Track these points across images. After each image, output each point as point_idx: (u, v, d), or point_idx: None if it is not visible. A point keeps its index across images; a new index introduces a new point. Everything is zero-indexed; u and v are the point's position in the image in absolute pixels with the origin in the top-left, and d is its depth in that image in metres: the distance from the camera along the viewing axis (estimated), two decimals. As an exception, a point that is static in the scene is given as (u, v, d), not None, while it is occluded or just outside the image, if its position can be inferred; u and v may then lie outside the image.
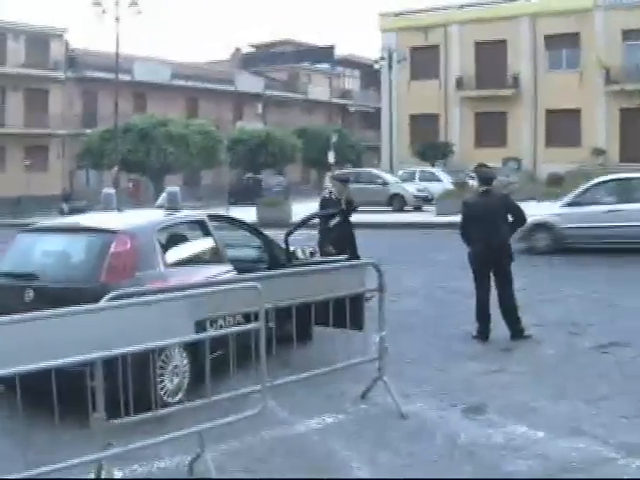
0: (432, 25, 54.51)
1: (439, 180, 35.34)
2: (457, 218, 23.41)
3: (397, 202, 32.47)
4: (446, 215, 27.24)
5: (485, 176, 10.02)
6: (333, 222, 11.82)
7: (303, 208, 35.93)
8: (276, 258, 9.47)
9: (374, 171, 35.97)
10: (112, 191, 9.29)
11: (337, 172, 13.21)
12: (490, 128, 51.35)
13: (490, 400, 7.26)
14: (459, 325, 10.39)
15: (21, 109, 52.71)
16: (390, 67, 50.09)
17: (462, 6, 54.26)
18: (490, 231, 9.57)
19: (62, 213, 42.05)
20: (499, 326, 9.72)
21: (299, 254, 9.93)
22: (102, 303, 5.27)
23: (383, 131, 56.00)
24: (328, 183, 36.13)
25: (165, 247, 8.00)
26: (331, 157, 32.40)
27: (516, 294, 9.92)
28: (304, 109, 69.86)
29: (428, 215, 29.41)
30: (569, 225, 17.63)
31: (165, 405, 6.63)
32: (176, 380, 7.31)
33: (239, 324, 6.41)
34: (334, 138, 32.95)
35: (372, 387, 7.33)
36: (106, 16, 38.46)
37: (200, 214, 8.87)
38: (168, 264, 7.78)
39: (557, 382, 7.76)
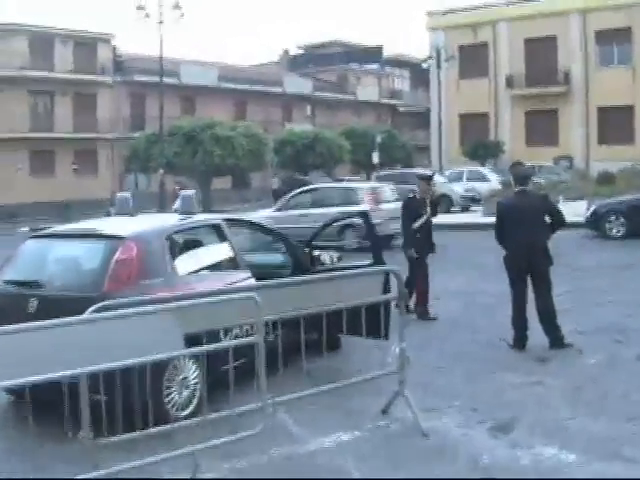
0: (480, 23, 53.59)
1: (487, 180, 34.51)
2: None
3: (444, 203, 31.70)
4: (493, 215, 26.54)
5: (521, 175, 9.46)
6: (418, 223, 11.32)
7: (348, 210, 35.89)
8: (300, 263, 9.01)
9: (419, 171, 35.22)
10: (127, 194, 8.91)
11: (421, 171, 13.07)
12: (541, 126, 50.29)
13: (521, 416, 6.72)
14: (497, 332, 9.78)
15: (70, 114, 52.98)
16: (438, 66, 49.31)
17: (510, 3, 53.23)
18: (526, 233, 9.01)
19: (109, 216, 42.16)
20: (537, 334, 9.14)
21: (325, 259, 9.47)
22: (85, 315, 4.88)
23: (432, 131, 55.24)
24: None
25: (177, 254, 7.58)
26: (375, 157, 31.87)
27: (557, 298, 9.36)
28: (353, 110, 69.27)
29: (475, 216, 28.71)
30: (277, 226, 18.01)
31: (175, 420, 6.24)
32: (186, 392, 6.91)
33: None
34: (379, 138, 32.33)
35: (393, 402, 6.83)
36: (151, 20, 38.57)
37: (216, 218, 8.43)
38: (179, 272, 7.38)
39: (596, 397, 7.19)
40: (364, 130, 54.52)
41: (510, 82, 52.16)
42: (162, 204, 38.16)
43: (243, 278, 7.79)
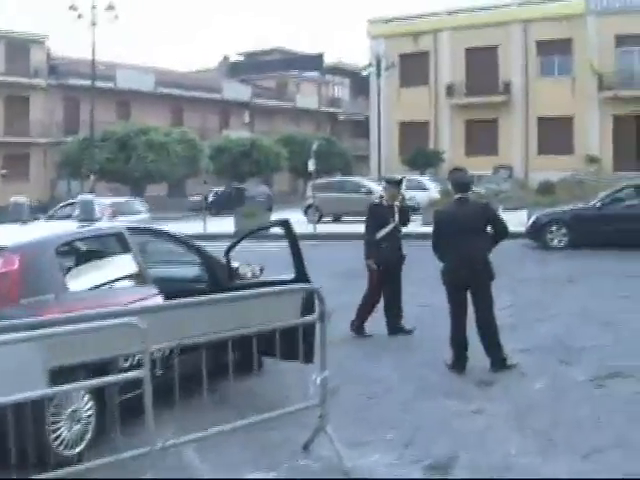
0: (422, 31, 53.27)
1: (426, 189, 34.00)
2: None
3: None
4: (431, 224, 25.91)
5: (460, 182, 8.68)
6: (383, 232, 10.32)
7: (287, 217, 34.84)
8: (216, 277, 8.10)
9: (358, 180, 34.60)
10: (23, 200, 7.91)
11: (389, 175, 11.69)
12: (481, 136, 50.11)
13: (462, 453, 5.90)
14: (436, 351, 8.96)
15: (0, 117, 51.34)
16: (379, 74, 48.70)
17: (452, 12, 52.98)
18: (466, 244, 8.24)
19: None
20: (478, 353, 8.35)
21: (245, 272, 8.57)
22: None
23: (372, 139, 54.68)
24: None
25: (70, 267, 6.62)
26: (311, 165, 30.95)
27: (499, 313, 8.62)
28: (292, 118, 68.50)
29: (414, 225, 28.01)
30: None
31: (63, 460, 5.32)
32: (77, 427, 5.94)
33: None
34: (315, 146, 31.47)
35: (315, 437, 5.96)
36: (84, 21, 37.33)
37: (118, 227, 7.45)
38: (72, 288, 6.41)
39: (545, 427, 6.39)
40: (302, 138, 53.83)
41: (451, 91, 51.93)
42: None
43: (148, 295, 6.85)
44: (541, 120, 48.81)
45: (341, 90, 76.73)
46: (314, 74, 73.04)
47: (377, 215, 10.50)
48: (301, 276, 7.59)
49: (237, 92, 64.64)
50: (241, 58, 79.21)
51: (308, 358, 6.66)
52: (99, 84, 53.21)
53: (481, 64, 50.63)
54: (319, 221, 31.71)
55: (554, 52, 49.22)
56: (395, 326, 10.43)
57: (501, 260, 17.79)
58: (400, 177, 11.86)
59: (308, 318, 5.85)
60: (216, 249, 8.91)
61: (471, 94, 50.72)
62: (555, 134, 47.44)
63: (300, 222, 30.00)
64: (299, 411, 6.02)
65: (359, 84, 67.14)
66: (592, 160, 45.74)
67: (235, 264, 8.54)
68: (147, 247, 8.40)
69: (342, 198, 32.04)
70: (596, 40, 47.01)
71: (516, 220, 21.87)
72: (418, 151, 49.14)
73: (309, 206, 32.23)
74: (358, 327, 10.48)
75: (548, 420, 6.56)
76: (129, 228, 7.39)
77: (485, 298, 8.33)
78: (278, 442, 6.20)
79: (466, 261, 8.23)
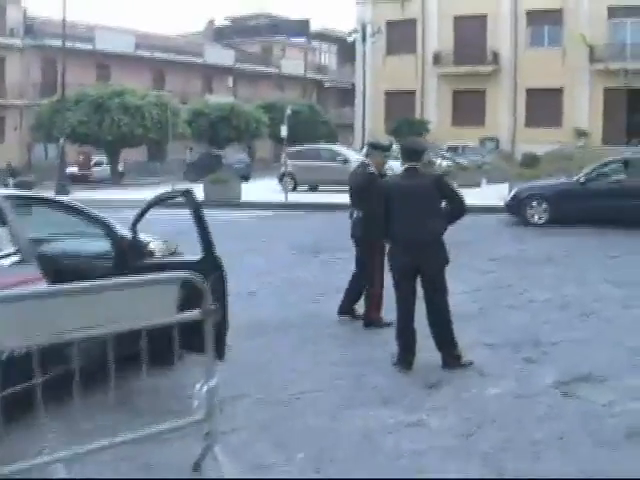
0: (409, -2, 51.85)
1: (407, 159, 32.65)
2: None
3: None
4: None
5: (409, 148, 7.45)
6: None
7: (263, 186, 33.61)
8: (123, 255, 6.91)
9: (334, 148, 33.17)
10: None
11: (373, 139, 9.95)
12: (468, 106, 48.92)
13: (386, 483, 4.76)
14: (385, 344, 7.80)
15: (-25, 78, 49.80)
16: (364, 40, 47.28)
17: (441, -22, 51.52)
18: (415, 222, 7.05)
19: (7, 188, 39.36)
20: (429, 347, 7.21)
21: (155, 249, 7.36)
22: None
23: (357, 107, 53.40)
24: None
25: None
26: (283, 131, 29.73)
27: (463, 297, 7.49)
28: (277, 84, 66.96)
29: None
30: None
31: None
32: None
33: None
34: (289, 111, 30.18)
35: (206, 456, 4.81)
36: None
37: (-5, 194, 6.21)
38: None
39: (498, 449, 5.23)
40: (284, 104, 52.47)
41: (438, 60, 50.68)
42: (62, 175, 35.47)
43: (27, 278, 5.65)
44: (530, 91, 47.63)
45: (328, 57, 75.14)
46: (300, 40, 71.39)
47: (377, 187, 8.32)
48: (209, 257, 6.43)
49: (220, 56, 62.89)
50: (227, 22, 77.45)
51: (217, 353, 5.57)
52: (78, 45, 51.67)
53: (469, 33, 49.38)
54: (294, 190, 30.55)
55: (544, 22, 47.99)
56: (349, 309, 9.27)
57: (474, 236, 16.91)
58: (388, 142, 10.49)
59: (188, 314, 4.62)
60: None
61: (459, 63, 49.45)
62: (544, 106, 46.31)
63: (275, 190, 28.87)
64: (190, 425, 4.85)
65: (346, 51, 65.54)
66: (581, 134, 44.66)
67: (148, 239, 7.36)
68: (48, 218, 7.22)
69: (317, 166, 30.73)
70: (587, 11, 45.75)
71: (498, 194, 20.74)
72: (402, 120, 47.84)
73: (283, 174, 31.03)
74: (376, 319, 8.95)
75: (500, 440, 5.40)
76: (8, 196, 6.17)
77: (438, 286, 7.14)
78: (166, 459, 5.05)
79: (415, 242, 7.05)
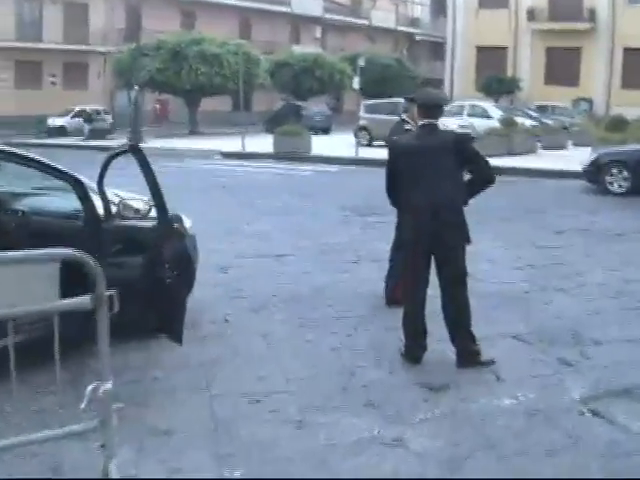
0: (505, -52, 49.36)
1: (489, 117, 30.76)
2: (499, 161, 19.62)
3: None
4: (486, 157, 23.15)
5: (427, 102, 6.17)
6: None
7: (341, 140, 32.30)
8: (94, 214, 5.92)
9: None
10: None
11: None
12: (562, 64, 46.45)
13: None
14: (395, 327, 6.59)
15: (60, 24, 49.46)
16: (455, -8, 45.42)
17: None
18: (430, 187, 5.83)
19: (83, 134, 39.16)
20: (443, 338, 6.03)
21: (130, 209, 6.32)
22: None
23: (447, 62, 51.54)
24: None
25: None
26: (355, 83, 28.38)
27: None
28: (367, 36, 65.18)
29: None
30: None
31: None
32: None
33: None
34: (362, 62, 28.72)
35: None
36: None
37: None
38: None
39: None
40: (373, 57, 50.94)
41: (532, 15, 48.24)
42: (136, 123, 34.93)
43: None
44: (627, 51, 44.87)
45: (421, 10, 72.83)
46: (392, -9, 69.31)
47: None
48: (163, 220, 5.40)
49: (308, 6, 61.31)
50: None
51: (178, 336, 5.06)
52: (162, -9, 51.14)
53: (566, -13, 46.77)
54: (369, 145, 29.33)
55: (646, -23, 45.02)
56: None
57: (544, 204, 15.43)
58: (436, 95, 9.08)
59: (74, 301, 3.52)
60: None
61: (553, 19, 46.92)
62: (642, 67, 43.58)
63: (351, 145, 27.56)
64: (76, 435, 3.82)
65: (440, 4, 63.31)
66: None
67: (121, 198, 6.35)
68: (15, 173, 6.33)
69: (392, 121, 29.28)
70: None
71: (581, 158, 19.13)
72: (493, 77, 45.85)
73: (359, 128, 29.82)
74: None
75: (492, 476, 4.21)
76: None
77: (455, 267, 5.91)
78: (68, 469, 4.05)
79: (428, 209, 5.80)
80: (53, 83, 46.47)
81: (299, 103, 43.98)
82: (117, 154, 5.91)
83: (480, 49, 50.55)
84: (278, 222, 13.39)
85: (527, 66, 48.98)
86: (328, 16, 62.55)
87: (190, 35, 41.10)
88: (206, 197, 16.70)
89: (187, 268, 5.98)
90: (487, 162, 6.13)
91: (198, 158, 27.87)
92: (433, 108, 6.04)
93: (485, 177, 6.07)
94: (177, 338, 5.59)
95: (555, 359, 6.12)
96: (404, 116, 7.89)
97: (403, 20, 70.13)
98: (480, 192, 6.11)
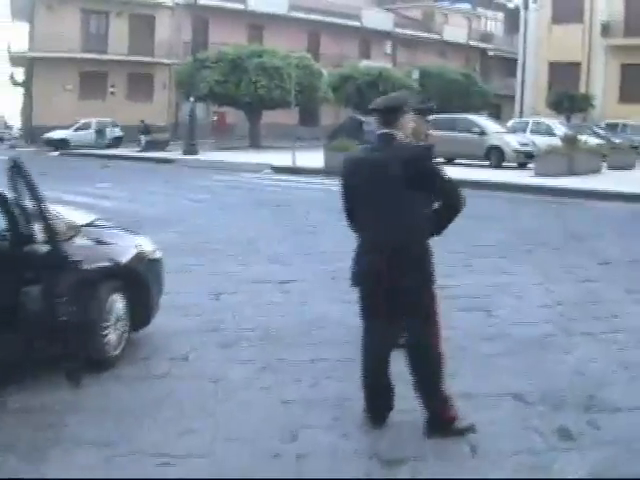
0: (578, -37, 47.54)
1: (554, 134, 29.23)
2: (558, 181, 18.20)
3: (495, 156, 26.77)
4: (545, 176, 21.77)
5: (381, 107, 4.84)
6: None
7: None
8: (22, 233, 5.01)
9: (471, 118, 29.99)
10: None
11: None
12: (637, 82, 44.31)
13: None
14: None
15: (125, 35, 49.59)
16: (526, 8, 43.78)
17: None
18: (385, 216, 4.66)
19: (140, 146, 38.86)
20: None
21: (63, 226, 5.34)
22: None
23: (518, 78, 49.89)
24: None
25: None
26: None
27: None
28: (439, 51, 63.84)
29: (525, 175, 23.75)
30: None
31: None
32: None
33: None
34: (416, 75, 27.57)
35: None
36: None
37: None
38: None
39: None
40: (439, 70, 49.64)
41: (606, 30, 46.20)
42: (191, 135, 34.38)
43: None
44: None
45: (494, 25, 71.20)
46: (465, 6, 67.88)
47: None
48: (52, 247, 4.47)
49: (378, 20, 60.36)
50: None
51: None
52: (229, 5, 50.74)
53: (642, 1, 44.77)
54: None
55: None
56: None
57: (595, 229, 13.86)
58: (431, 105, 7.81)
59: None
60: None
61: (629, 35, 44.77)
62: None
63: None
64: None
65: (514, 19, 61.62)
66: None
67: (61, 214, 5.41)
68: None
69: (451, 138, 28.00)
70: None
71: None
72: (564, 94, 44.03)
73: (417, 145, 28.54)
74: None
75: None
76: None
77: (418, 312, 4.71)
78: None
79: (384, 245, 4.63)
80: (112, 93, 46.38)
81: (362, 118, 42.88)
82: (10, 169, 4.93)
83: (552, 65, 48.80)
84: (302, 242, 12.41)
85: (601, 83, 47.04)
86: (399, 30, 61.41)
87: (250, 47, 40.47)
88: (238, 213, 15.95)
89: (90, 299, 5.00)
90: (452, 184, 4.78)
91: (249, 172, 27.10)
92: (388, 113, 4.79)
93: (450, 204, 4.75)
94: (73, 378, 4.66)
95: (555, 429, 4.86)
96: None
97: (476, 35, 68.59)
98: (448, 223, 4.83)
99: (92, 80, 48.66)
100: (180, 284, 9.05)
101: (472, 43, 67.42)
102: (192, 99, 35.01)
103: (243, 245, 12.09)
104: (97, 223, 6.46)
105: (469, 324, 7.30)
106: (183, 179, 24.91)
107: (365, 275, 4.74)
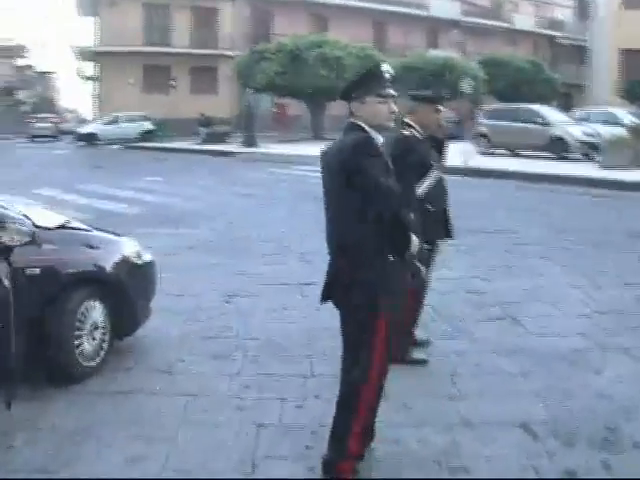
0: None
1: (620, 124, 27.79)
2: (624, 175, 17.17)
3: (557, 147, 25.48)
4: (612, 168, 20.60)
5: (340, 92, 4.07)
6: (426, 185, 5.71)
7: (462, 147, 29.91)
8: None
9: (534, 108, 28.58)
10: None
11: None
12: None
13: None
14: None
15: (187, 28, 49.53)
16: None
17: None
18: (327, 219, 4.07)
19: (200, 138, 38.64)
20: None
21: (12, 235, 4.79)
22: None
23: (588, 66, 48.34)
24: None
25: None
26: (465, 86, 26.24)
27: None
28: (508, 39, 62.29)
29: (590, 167, 22.48)
30: None
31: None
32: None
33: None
34: (472, 64, 26.56)
35: None
36: None
37: None
38: None
39: None
40: (507, 59, 48.30)
41: (680, 15, 44.34)
42: (250, 127, 33.92)
43: None
44: None
45: (564, 12, 69.17)
46: (534, -7, 66.20)
47: (412, 154, 5.48)
48: None
49: (445, 9, 59.12)
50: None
51: None
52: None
53: None
54: (492, 153, 27.20)
55: None
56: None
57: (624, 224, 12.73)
58: (443, 93, 6.99)
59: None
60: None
61: None
62: None
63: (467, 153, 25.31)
64: None
65: (584, 6, 59.80)
66: None
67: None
68: None
69: (513, 128, 26.97)
70: None
71: None
72: (636, 82, 42.35)
73: (479, 135, 27.75)
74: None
75: None
76: None
77: (348, 339, 4.05)
78: None
79: (330, 249, 4.06)
80: (172, 86, 46.33)
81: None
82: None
83: (624, 52, 47.06)
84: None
85: (676, 70, 45.22)
86: (467, 19, 60.10)
87: (310, 37, 39.84)
88: (281, 207, 15.39)
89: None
90: (379, 185, 3.76)
91: (305, 165, 26.51)
92: (343, 100, 4.05)
93: (378, 199, 3.79)
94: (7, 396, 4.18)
95: (561, 470, 4.13)
96: (407, 119, 5.92)
97: (544, 22, 66.77)
98: (383, 218, 3.85)
99: (155, 74, 48.78)
100: (192, 285, 8.57)
101: (541, 31, 65.64)
102: (250, 91, 34.55)
103: (275, 242, 11.48)
104: (71, 225, 5.94)
105: (491, 335, 6.56)
106: (235, 172, 24.45)
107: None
